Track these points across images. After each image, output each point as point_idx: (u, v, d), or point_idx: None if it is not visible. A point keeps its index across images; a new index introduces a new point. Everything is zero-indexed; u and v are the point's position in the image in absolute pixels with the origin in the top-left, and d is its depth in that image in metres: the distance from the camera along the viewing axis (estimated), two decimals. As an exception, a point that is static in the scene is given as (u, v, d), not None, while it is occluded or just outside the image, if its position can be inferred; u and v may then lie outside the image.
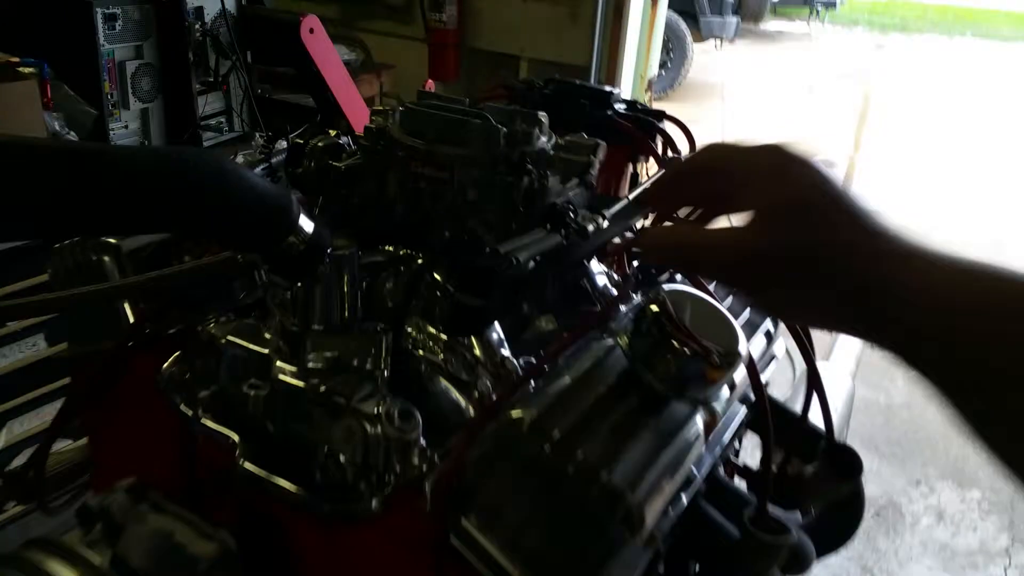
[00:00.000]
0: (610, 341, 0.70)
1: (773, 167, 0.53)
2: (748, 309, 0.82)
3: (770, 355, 0.88)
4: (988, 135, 7.69)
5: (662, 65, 6.53)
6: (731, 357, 0.63)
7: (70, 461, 0.93)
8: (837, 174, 0.52)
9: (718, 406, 0.67)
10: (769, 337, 0.85)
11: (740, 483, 0.99)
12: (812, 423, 0.88)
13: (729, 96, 6.86)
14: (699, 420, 0.66)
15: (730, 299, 0.79)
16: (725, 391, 0.72)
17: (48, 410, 1.96)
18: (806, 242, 0.50)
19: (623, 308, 0.86)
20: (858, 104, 5.89)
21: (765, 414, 0.72)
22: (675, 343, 0.62)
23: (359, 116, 2.69)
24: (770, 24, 12.05)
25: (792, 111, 7.57)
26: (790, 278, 0.51)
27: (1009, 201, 6.14)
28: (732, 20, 8.20)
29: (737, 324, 0.66)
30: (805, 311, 0.55)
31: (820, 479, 0.89)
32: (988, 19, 16.25)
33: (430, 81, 3.54)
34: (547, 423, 0.60)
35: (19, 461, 1.93)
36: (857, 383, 1.66)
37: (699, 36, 8.01)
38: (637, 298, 0.90)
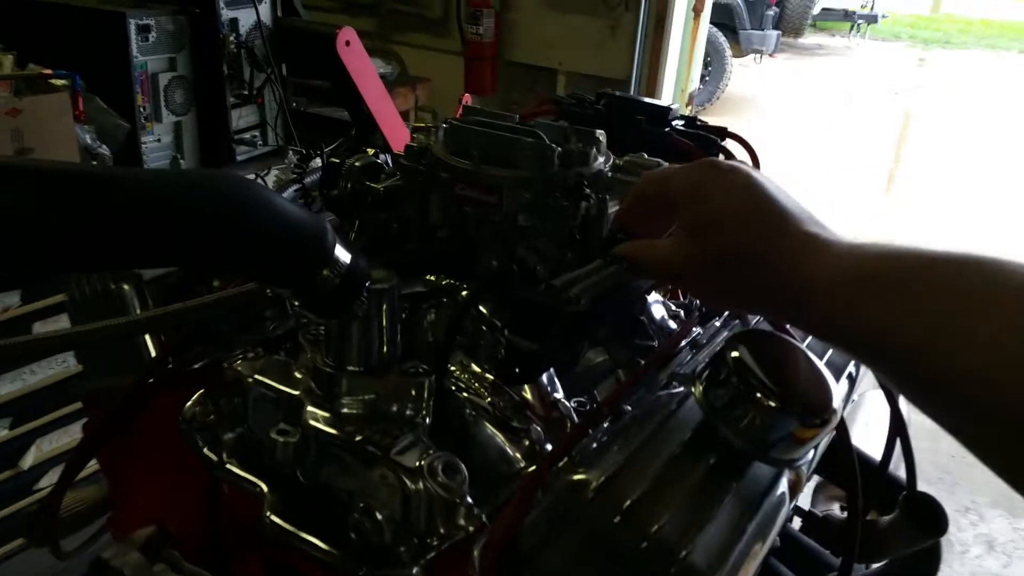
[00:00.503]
0: (680, 388, 0.63)
1: (700, 183, 0.59)
2: (830, 351, 0.73)
3: (851, 400, 0.80)
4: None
5: (701, 79, 6.43)
6: (826, 415, 0.55)
7: (89, 501, 0.87)
8: (770, 180, 0.58)
9: (804, 464, 0.58)
10: (851, 380, 0.77)
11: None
12: (893, 473, 0.79)
13: (769, 110, 6.75)
14: (785, 483, 0.58)
15: (809, 338, 0.70)
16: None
17: (77, 428, 1.93)
18: (723, 248, 0.56)
19: (685, 345, 0.79)
20: (898, 119, 5.76)
21: (853, 472, 0.64)
22: (760, 396, 0.54)
23: (395, 130, 2.64)
24: (810, 38, 11.89)
25: (831, 124, 7.43)
26: (714, 279, 0.58)
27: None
28: (772, 34, 8.09)
29: (829, 374, 0.58)
30: (737, 305, 0.64)
31: (899, 531, 0.81)
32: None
33: (467, 95, 3.49)
34: (616, 487, 0.52)
35: (47, 481, 1.93)
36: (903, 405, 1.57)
37: (739, 50, 7.90)
38: (697, 331, 0.83)
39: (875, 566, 0.84)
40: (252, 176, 1.89)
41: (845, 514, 0.92)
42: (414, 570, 0.58)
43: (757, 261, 0.55)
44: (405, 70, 4.21)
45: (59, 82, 1.84)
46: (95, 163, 1.81)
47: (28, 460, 1.84)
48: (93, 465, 0.80)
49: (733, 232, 0.56)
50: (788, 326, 0.68)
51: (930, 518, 0.78)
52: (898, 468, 0.92)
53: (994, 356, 0.43)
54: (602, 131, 0.77)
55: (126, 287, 0.76)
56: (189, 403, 0.72)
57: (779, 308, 0.57)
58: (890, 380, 0.51)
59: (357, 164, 0.84)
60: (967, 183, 6.51)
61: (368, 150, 0.87)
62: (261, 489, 0.67)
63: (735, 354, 0.56)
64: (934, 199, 6.02)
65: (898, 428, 0.75)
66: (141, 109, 2.12)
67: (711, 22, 4.66)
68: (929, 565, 0.82)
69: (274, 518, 0.64)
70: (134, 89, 2.08)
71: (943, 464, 3.01)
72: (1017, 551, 2.68)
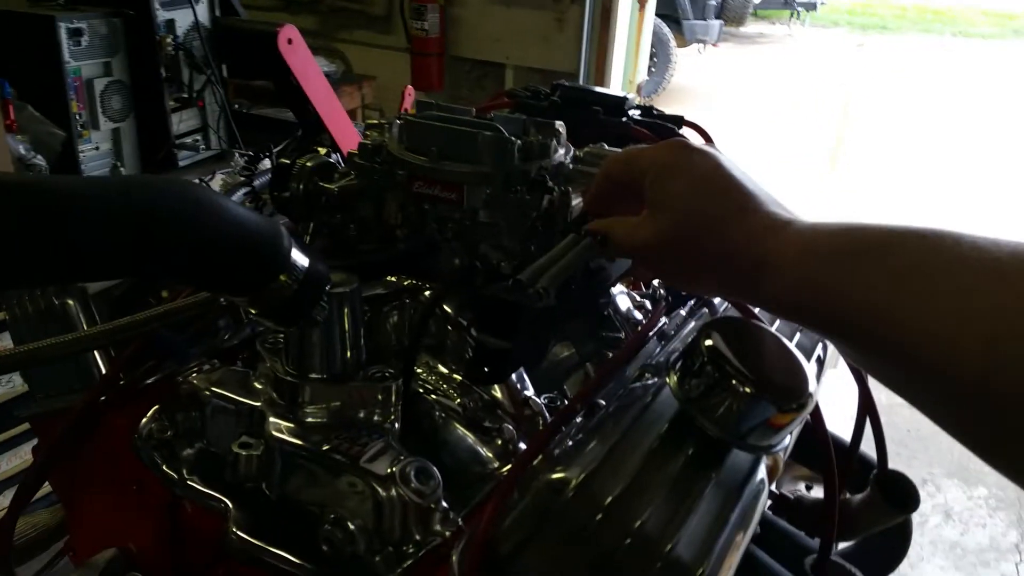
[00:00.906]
0: (653, 380, 0.62)
1: (669, 162, 0.59)
2: (798, 334, 0.73)
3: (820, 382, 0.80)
4: (969, 130, 7.68)
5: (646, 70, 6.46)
6: (802, 399, 0.54)
7: (43, 526, 0.83)
8: (735, 163, 0.58)
9: (781, 449, 0.58)
10: (820, 363, 0.77)
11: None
12: (864, 452, 0.79)
13: (715, 98, 6.83)
14: (763, 469, 0.57)
15: (778, 323, 0.70)
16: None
17: (27, 449, 1.86)
18: (688, 226, 0.57)
19: (652, 336, 0.78)
20: (840, 101, 5.88)
21: (829, 454, 0.63)
22: (736, 383, 0.53)
23: (343, 130, 2.59)
24: (752, 27, 12.04)
25: (775, 111, 7.54)
26: (678, 259, 0.58)
27: (992, 194, 6.13)
28: (715, 23, 8.17)
29: (803, 358, 0.57)
30: (699, 284, 0.63)
31: (871, 509, 0.81)
32: (967, 18, 16.34)
33: (409, 88, 3.45)
34: (596, 484, 0.51)
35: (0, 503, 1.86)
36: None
37: (682, 40, 7.97)
38: (663, 322, 0.82)
39: (846, 544, 0.84)
40: (196, 181, 1.84)
41: (812, 493, 0.93)
42: (390, 580, 0.56)
43: (721, 239, 0.56)
44: (350, 68, 4.16)
45: (-13, 90, 1.77)
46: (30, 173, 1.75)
47: (-23, 484, 1.78)
48: (45, 488, 0.76)
49: (699, 210, 0.57)
50: (756, 311, 0.68)
51: (902, 495, 0.78)
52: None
53: (954, 325, 0.43)
54: (561, 122, 0.76)
55: (70, 302, 0.72)
56: (144, 419, 0.69)
57: (742, 286, 0.57)
58: (853, 354, 0.52)
59: (309, 164, 0.81)
60: (908, 158, 6.67)
61: (320, 149, 0.84)
62: (225, 505, 0.64)
63: (709, 342, 0.56)
64: (877, 173, 6.15)
65: (867, 407, 0.75)
66: (77, 116, 2.04)
67: (655, 13, 4.70)
68: (900, 541, 0.82)
69: (240, 534, 0.62)
70: (68, 96, 2.00)
71: (900, 438, 3.07)
72: (972, 519, 2.75)
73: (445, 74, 3.97)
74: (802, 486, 1.05)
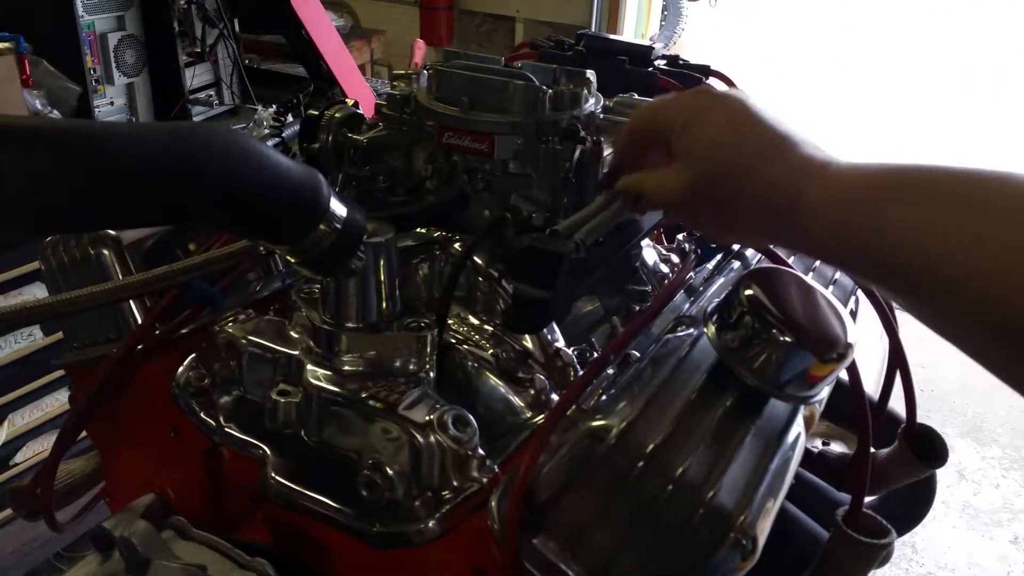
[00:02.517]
0: (689, 331, 0.62)
1: (695, 110, 0.58)
2: (831, 286, 0.73)
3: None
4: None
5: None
6: (842, 349, 0.54)
7: (80, 473, 0.85)
8: (765, 106, 0.57)
9: (819, 399, 0.58)
10: (852, 316, 0.77)
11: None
12: (891, 408, 0.80)
13: (726, 53, 6.73)
14: (801, 420, 0.58)
15: (811, 275, 0.70)
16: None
17: (49, 401, 1.89)
18: (719, 174, 0.56)
19: (683, 290, 0.78)
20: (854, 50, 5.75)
21: (863, 407, 0.64)
22: (776, 333, 0.54)
23: (354, 84, 2.57)
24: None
25: (788, 62, 7.43)
26: (711, 207, 0.58)
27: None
28: (725, -25, 8.00)
29: (843, 308, 0.57)
30: (735, 233, 0.63)
31: (899, 463, 0.82)
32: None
33: (419, 40, 3.41)
34: (636, 433, 0.52)
35: (23, 455, 1.89)
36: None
37: (693, -8, 7.82)
38: (693, 276, 0.82)
39: (870, 498, 0.85)
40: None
41: (835, 448, 0.93)
42: (430, 524, 0.57)
43: (753, 183, 0.55)
44: (358, 23, 4.10)
45: (2, 45, 1.75)
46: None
47: (1, 436, 1.80)
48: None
49: (729, 156, 0.56)
50: (791, 262, 0.67)
51: (930, 449, 0.79)
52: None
53: (1002, 264, 0.43)
54: (591, 71, 0.75)
55: (105, 252, 0.73)
56: (181, 368, 0.70)
57: (779, 230, 0.56)
58: (894, 294, 0.51)
59: (337, 115, 0.81)
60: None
61: (347, 100, 0.84)
62: (263, 451, 0.65)
63: (748, 292, 0.56)
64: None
65: (898, 360, 0.75)
66: (91, 71, 2.03)
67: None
68: (926, 495, 0.83)
69: (279, 479, 0.63)
70: (83, 51, 1.99)
71: (913, 397, 3.08)
72: (985, 479, 2.75)
73: (455, 28, 3.92)
74: (819, 442, 1.06)
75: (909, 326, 0.51)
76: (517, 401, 0.68)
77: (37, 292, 1.71)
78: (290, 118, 0.98)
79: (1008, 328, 0.43)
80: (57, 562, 1.91)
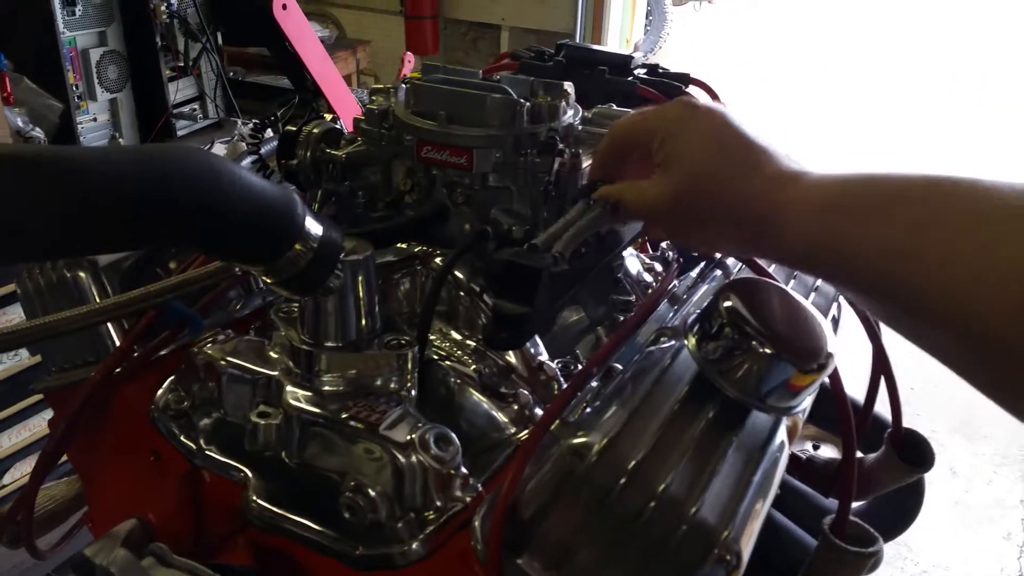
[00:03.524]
0: (670, 342, 0.62)
1: (674, 122, 0.59)
2: (812, 294, 0.73)
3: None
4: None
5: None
6: (823, 359, 0.54)
7: (61, 498, 0.84)
8: (744, 118, 0.58)
9: (801, 410, 0.58)
10: (835, 323, 0.77)
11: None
12: (878, 413, 0.79)
13: (711, 57, 6.76)
14: (783, 431, 0.58)
15: (792, 283, 0.70)
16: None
17: (36, 421, 1.88)
18: (698, 185, 0.57)
19: (666, 299, 0.78)
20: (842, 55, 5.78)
21: (847, 415, 0.64)
22: (756, 344, 0.53)
23: (339, 95, 2.57)
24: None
25: (775, 67, 7.45)
26: (691, 218, 0.59)
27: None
28: (711, -21, 8.04)
29: (823, 318, 0.57)
30: (714, 243, 0.65)
31: (886, 468, 0.82)
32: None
33: (409, 54, 3.41)
34: (618, 449, 0.51)
35: (10, 477, 1.88)
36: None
37: (678, -2, 7.84)
38: (676, 285, 0.82)
39: (858, 504, 0.85)
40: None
41: (821, 452, 0.93)
42: (413, 545, 0.57)
43: (732, 195, 0.56)
44: (343, 33, 4.10)
45: (-18, 63, 1.74)
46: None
47: (-12, 457, 1.79)
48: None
49: (708, 169, 0.57)
50: (771, 271, 0.67)
51: (917, 453, 0.78)
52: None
53: (975, 272, 0.43)
54: (570, 83, 0.75)
55: (82, 274, 0.72)
56: (160, 390, 0.69)
57: (757, 241, 0.57)
58: (869, 304, 0.52)
59: (315, 131, 0.81)
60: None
61: (325, 115, 0.84)
62: (244, 474, 0.64)
63: (727, 303, 0.55)
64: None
65: (882, 365, 0.75)
66: (74, 88, 2.02)
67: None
68: (913, 500, 0.83)
69: (261, 502, 0.62)
70: (64, 67, 1.98)
71: (902, 396, 3.07)
72: (976, 476, 2.76)
73: (440, 37, 3.92)
74: (809, 446, 1.06)
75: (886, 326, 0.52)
76: (500, 417, 0.67)
77: (18, 313, 1.70)
78: (269, 134, 0.98)
79: (976, 337, 0.43)
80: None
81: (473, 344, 0.71)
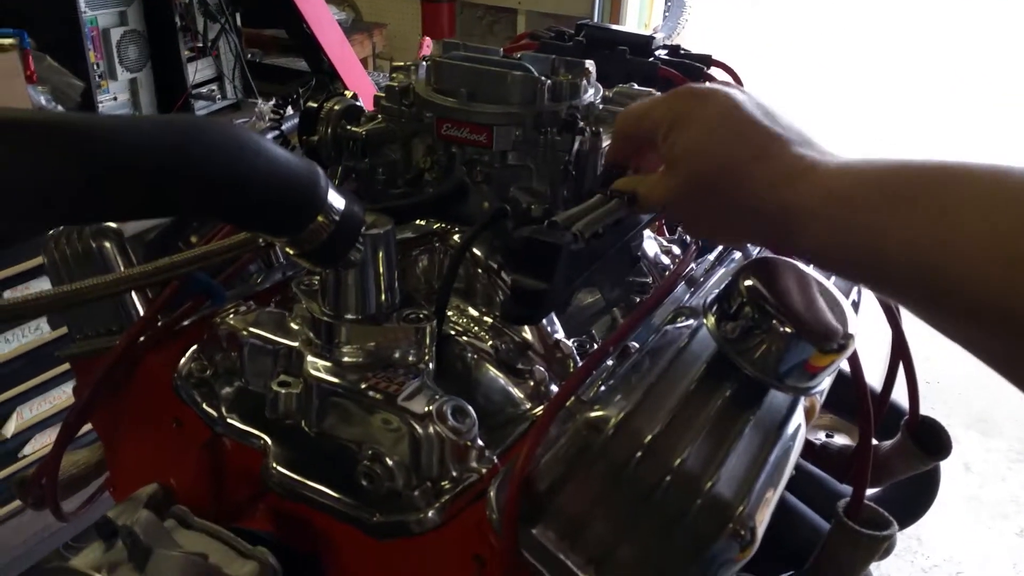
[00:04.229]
0: (688, 322, 0.62)
1: (679, 112, 0.57)
2: (833, 276, 0.73)
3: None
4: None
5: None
6: (843, 340, 0.54)
7: (84, 463, 0.85)
8: (755, 100, 0.56)
9: (819, 391, 0.58)
10: (855, 307, 0.76)
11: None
12: (895, 400, 0.80)
13: (732, 43, 6.71)
14: (802, 411, 0.58)
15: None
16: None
17: (56, 394, 1.90)
18: (705, 176, 0.55)
19: (683, 281, 0.78)
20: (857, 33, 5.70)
21: (865, 398, 0.64)
22: (776, 323, 0.54)
23: (356, 78, 2.57)
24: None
25: (796, 50, 7.39)
26: (701, 212, 0.58)
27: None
28: (731, -36, 7.96)
29: (844, 299, 0.57)
30: (727, 235, 0.63)
31: (902, 456, 0.82)
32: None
33: (427, 39, 3.40)
34: (635, 423, 0.52)
35: (31, 447, 1.90)
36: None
37: (697, -18, 7.78)
38: (693, 267, 0.82)
39: (873, 491, 0.85)
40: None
41: (837, 440, 0.93)
42: (429, 513, 0.58)
43: (742, 188, 0.53)
44: (360, 16, 4.10)
45: (6, 41, 1.75)
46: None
47: (10, 428, 1.82)
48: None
49: (715, 160, 0.55)
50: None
51: (934, 441, 0.78)
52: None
53: (997, 260, 0.42)
54: (591, 61, 0.75)
55: (107, 244, 0.73)
56: (183, 359, 0.70)
57: (771, 234, 0.55)
58: (892, 297, 0.51)
59: (336, 108, 0.81)
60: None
61: (346, 92, 0.84)
62: (264, 441, 0.66)
63: (748, 282, 0.55)
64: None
65: (900, 352, 0.75)
66: (95, 67, 2.04)
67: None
68: (929, 488, 0.83)
69: (280, 469, 0.63)
70: (86, 46, 1.99)
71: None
72: (991, 472, 2.74)
73: (456, 21, 3.91)
74: (823, 435, 1.06)
75: (915, 318, 0.51)
76: (516, 392, 0.68)
77: (43, 287, 1.72)
78: (290, 111, 0.99)
79: (1011, 328, 0.42)
80: (66, 552, 1.92)
81: (490, 320, 0.72)
